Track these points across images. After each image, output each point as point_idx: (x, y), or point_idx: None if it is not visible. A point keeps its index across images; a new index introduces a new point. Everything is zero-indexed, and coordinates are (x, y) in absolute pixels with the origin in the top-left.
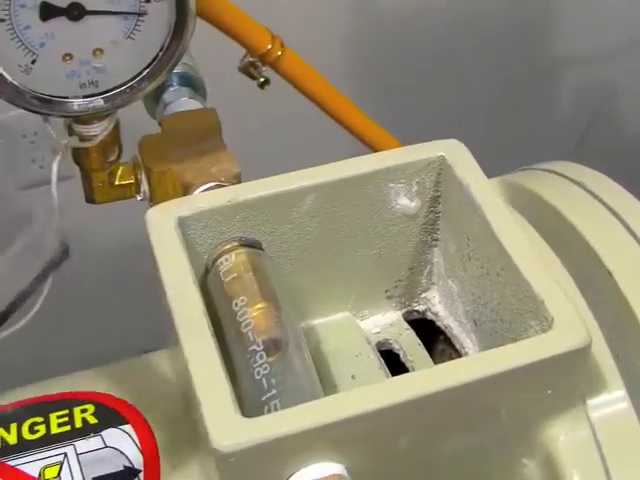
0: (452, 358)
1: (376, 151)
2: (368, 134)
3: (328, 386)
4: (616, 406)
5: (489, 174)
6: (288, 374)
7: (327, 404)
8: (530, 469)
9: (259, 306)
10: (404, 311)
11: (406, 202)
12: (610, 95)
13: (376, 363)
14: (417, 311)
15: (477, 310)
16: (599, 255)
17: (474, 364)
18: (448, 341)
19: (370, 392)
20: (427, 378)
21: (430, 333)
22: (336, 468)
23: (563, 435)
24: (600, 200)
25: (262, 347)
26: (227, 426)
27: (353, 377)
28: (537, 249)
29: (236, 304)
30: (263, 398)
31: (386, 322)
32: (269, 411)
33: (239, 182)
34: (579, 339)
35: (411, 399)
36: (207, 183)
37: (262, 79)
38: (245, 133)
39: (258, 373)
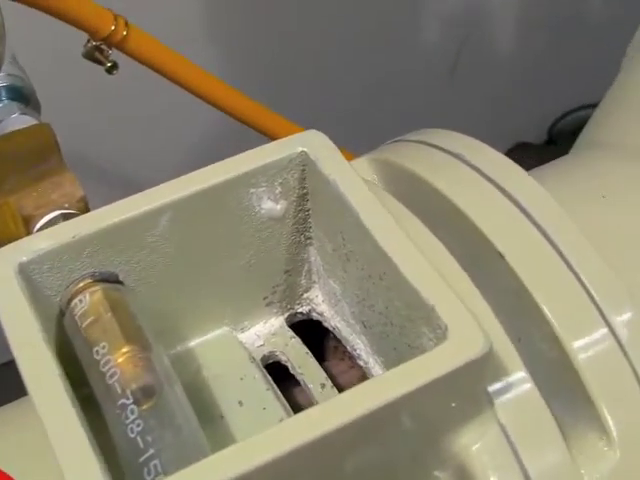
0: (345, 356)
1: (272, 137)
2: (253, 117)
3: (214, 417)
4: (520, 388)
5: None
6: (166, 427)
7: (214, 463)
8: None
9: (123, 350)
10: (287, 315)
11: (271, 205)
12: (477, 21)
13: (262, 384)
14: (301, 313)
15: (363, 312)
16: (487, 237)
17: (366, 394)
18: (337, 338)
19: (259, 442)
20: (316, 419)
21: (319, 330)
22: None
23: (474, 443)
24: (482, 173)
25: (132, 399)
26: None
27: (240, 403)
28: (420, 242)
29: (97, 352)
30: (141, 459)
31: (269, 331)
32: (149, 474)
33: (85, 206)
34: (477, 348)
35: (306, 442)
36: (50, 213)
37: (109, 64)
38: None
39: (132, 431)
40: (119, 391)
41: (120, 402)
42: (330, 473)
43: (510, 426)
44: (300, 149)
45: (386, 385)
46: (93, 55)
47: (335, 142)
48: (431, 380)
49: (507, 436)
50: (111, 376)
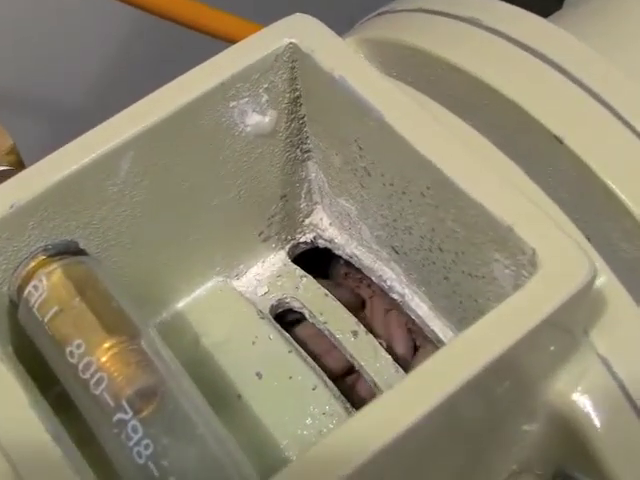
0: (361, 282)
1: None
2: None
3: (229, 398)
4: (614, 305)
5: None
6: (182, 438)
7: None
8: (533, 434)
9: (106, 346)
10: (287, 248)
11: (257, 119)
12: None
13: (282, 346)
14: (304, 242)
15: (394, 236)
16: (537, 118)
17: (462, 356)
18: (350, 264)
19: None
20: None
21: (324, 258)
22: None
23: (572, 386)
24: (509, 39)
25: (130, 412)
26: None
27: (259, 375)
28: (468, 143)
29: (71, 353)
30: None
31: (271, 272)
32: None
33: (17, 159)
34: (581, 274)
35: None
36: None
37: None
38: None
39: (140, 455)
40: (112, 403)
41: (116, 418)
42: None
43: (612, 357)
44: (287, 41)
45: (504, 327)
46: None
47: None
48: (540, 320)
49: (611, 370)
50: (97, 384)
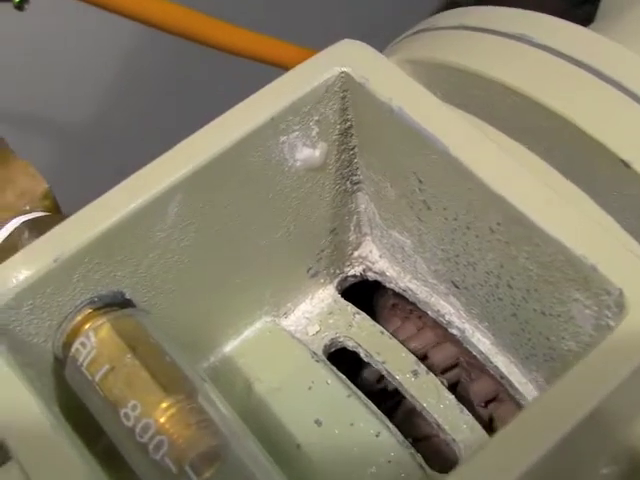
0: (411, 313)
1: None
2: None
3: (289, 449)
4: None
5: None
6: None
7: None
8: (612, 477)
9: (163, 406)
10: (336, 283)
11: (308, 153)
12: None
13: (341, 391)
14: (353, 276)
15: (455, 271)
16: (602, 142)
17: (555, 412)
18: (399, 295)
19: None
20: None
21: (371, 290)
22: None
23: None
24: (564, 56)
25: (195, 477)
26: None
27: (318, 423)
28: (536, 173)
29: (126, 415)
30: None
31: (321, 309)
32: None
33: (53, 203)
34: None
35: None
36: (6, 223)
37: None
38: None
39: None
40: (174, 469)
41: None
42: None
43: None
44: (339, 70)
45: (597, 377)
46: None
47: None
48: (634, 367)
49: None
50: (156, 448)
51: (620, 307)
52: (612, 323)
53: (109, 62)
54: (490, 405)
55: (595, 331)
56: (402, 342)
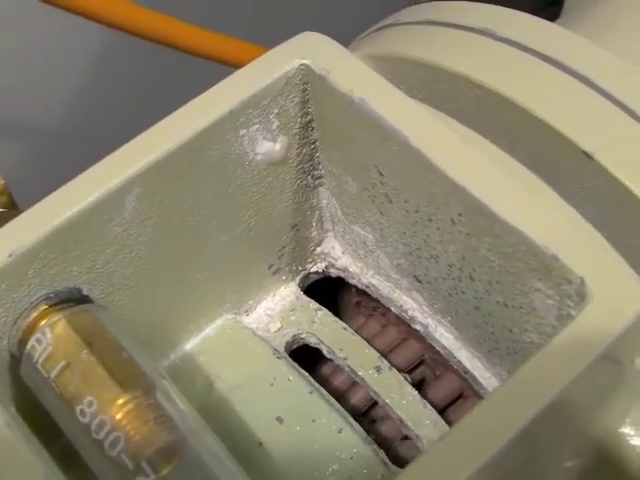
0: (375, 310)
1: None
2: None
3: (250, 447)
4: None
5: None
6: None
7: None
8: (576, 470)
9: (120, 402)
10: (298, 280)
11: (268, 147)
12: None
13: (303, 387)
14: (315, 272)
15: (418, 265)
16: (564, 134)
17: (515, 402)
18: (363, 292)
19: None
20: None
21: (334, 287)
22: None
23: (620, 418)
24: (529, 50)
25: (152, 474)
26: None
27: (279, 420)
28: (498, 164)
29: (82, 412)
30: None
31: (283, 306)
32: None
33: (9, 200)
34: (636, 302)
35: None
36: None
37: None
38: None
39: None
40: (130, 465)
41: None
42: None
43: None
44: (299, 62)
45: (557, 366)
46: None
47: None
48: (595, 356)
49: None
50: (113, 445)
51: (582, 296)
52: (574, 313)
53: (78, 62)
54: (457, 402)
55: (557, 322)
56: (367, 340)
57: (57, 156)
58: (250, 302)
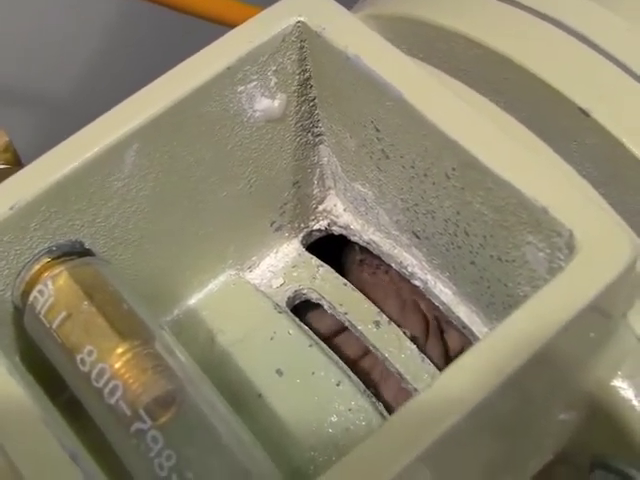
0: (378, 268)
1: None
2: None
3: (249, 398)
4: None
5: None
6: (207, 448)
7: None
8: (570, 423)
9: (119, 351)
10: (301, 237)
11: (266, 103)
12: None
13: (302, 340)
14: (318, 230)
15: (415, 220)
16: (560, 91)
17: (503, 350)
18: (366, 250)
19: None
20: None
21: (338, 245)
22: None
23: (611, 372)
24: (530, 10)
25: (149, 421)
26: None
27: (279, 373)
28: (493, 121)
29: (82, 361)
30: None
31: (285, 263)
32: None
33: (14, 156)
34: (625, 254)
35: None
36: None
37: None
38: None
39: (161, 467)
40: (128, 413)
41: (134, 428)
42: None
43: None
44: (295, 19)
45: (545, 316)
46: None
47: None
48: (583, 307)
49: None
50: (111, 392)
51: (571, 248)
52: (564, 265)
53: (89, 31)
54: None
55: (549, 274)
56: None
57: (68, 123)
58: (253, 258)
